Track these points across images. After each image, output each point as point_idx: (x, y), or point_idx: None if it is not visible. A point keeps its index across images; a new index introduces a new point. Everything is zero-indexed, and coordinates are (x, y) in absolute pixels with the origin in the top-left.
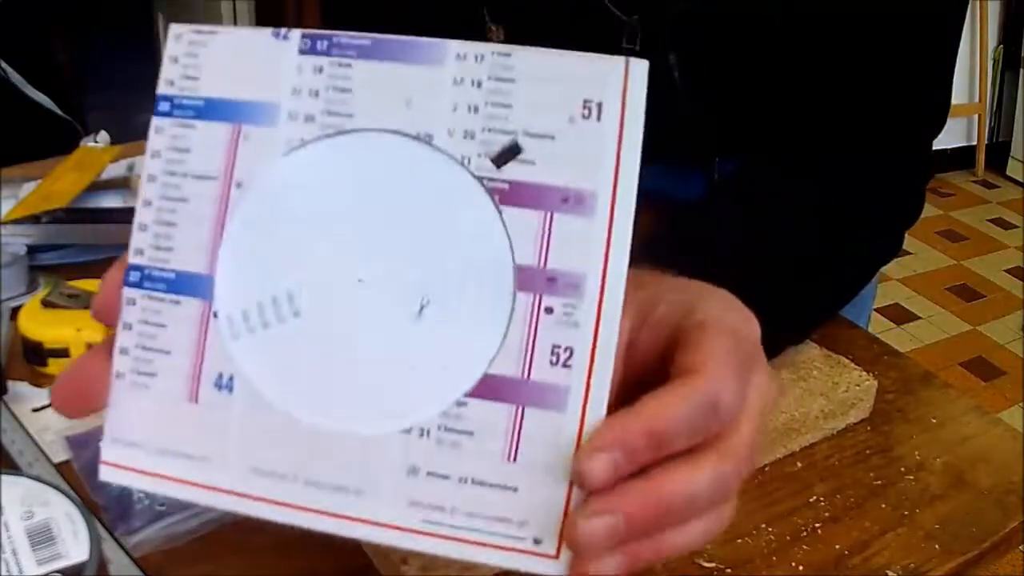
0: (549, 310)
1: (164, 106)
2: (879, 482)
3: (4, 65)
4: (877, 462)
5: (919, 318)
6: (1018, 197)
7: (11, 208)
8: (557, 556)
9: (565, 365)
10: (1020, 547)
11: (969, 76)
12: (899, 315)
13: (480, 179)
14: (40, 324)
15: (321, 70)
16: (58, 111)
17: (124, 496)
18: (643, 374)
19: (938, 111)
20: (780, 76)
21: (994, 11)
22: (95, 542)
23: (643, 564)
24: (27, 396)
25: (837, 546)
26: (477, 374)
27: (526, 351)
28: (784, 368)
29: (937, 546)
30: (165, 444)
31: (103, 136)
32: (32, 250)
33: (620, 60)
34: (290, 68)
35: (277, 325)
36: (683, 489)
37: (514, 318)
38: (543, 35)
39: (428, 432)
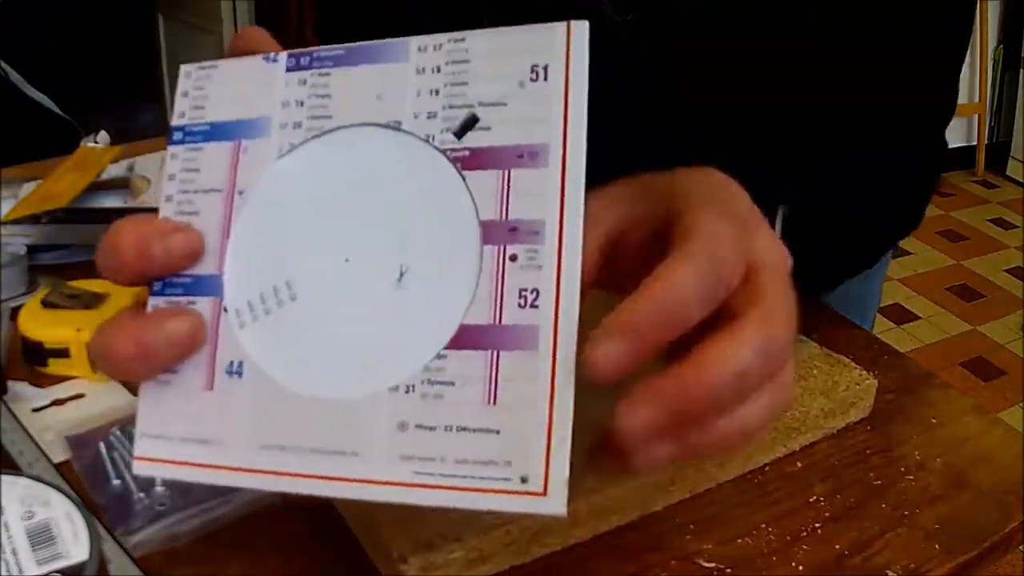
0: (513, 257)
1: (177, 135)
2: (879, 482)
3: (4, 65)
4: (877, 462)
5: (919, 318)
6: (1018, 197)
7: (11, 208)
8: (545, 492)
9: (533, 306)
10: (1020, 547)
11: (969, 76)
12: (899, 315)
13: (443, 151)
14: (40, 324)
15: (305, 82)
16: (58, 111)
17: (124, 496)
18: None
19: (948, 100)
20: (784, 81)
21: (994, 11)
22: (95, 542)
23: (713, 449)
24: (27, 396)
25: (837, 546)
26: (453, 327)
27: (495, 298)
28: None
29: (937, 546)
30: (187, 433)
31: (103, 136)
32: (32, 250)
33: (562, 25)
34: (279, 85)
35: (277, 310)
36: (728, 362)
37: (483, 270)
38: None
39: (413, 387)
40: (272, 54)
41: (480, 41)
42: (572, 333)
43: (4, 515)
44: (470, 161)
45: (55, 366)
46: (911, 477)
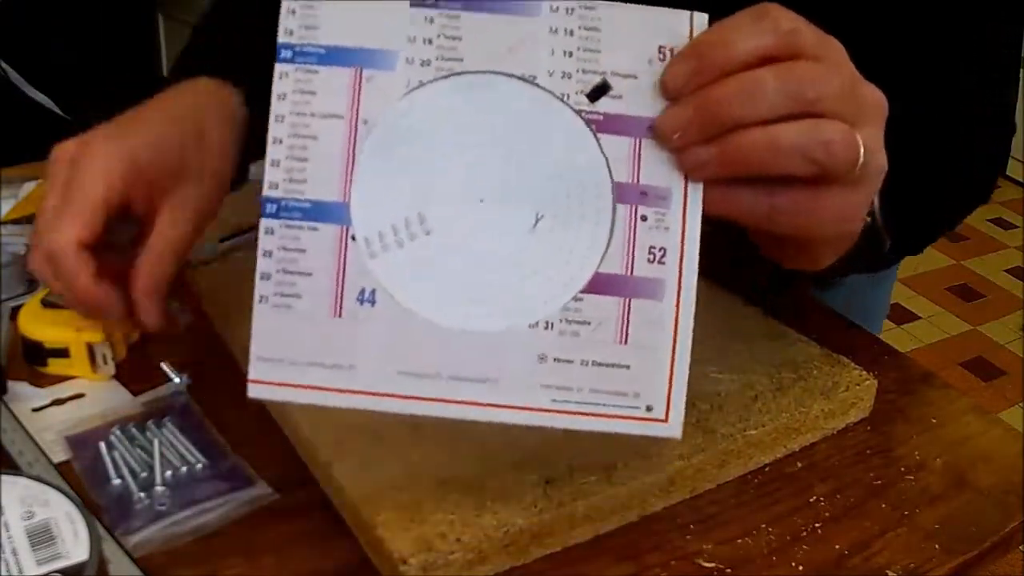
0: (644, 218)
1: (286, 54)
2: (879, 482)
3: (4, 65)
4: (877, 462)
5: (919, 318)
6: (1018, 197)
7: (11, 208)
8: (667, 420)
9: (660, 262)
10: (1020, 547)
11: None
12: (899, 315)
13: (579, 112)
14: (40, 324)
15: (432, 21)
16: (58, 111)
17: (124, 496)
18: None
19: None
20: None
21: None
22: (95, 542)
23: (747, 153)
24: (27, 396)
25: (837, 546)
26: (589, 273)
27: (628, 252)
28: (784, 368)
29: (937, 546)
30: (312, 357)
31: None
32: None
33: (685, 13)
34: (404, 19)
35: (410, 243)
36: (749, 75)
37: (616, 225)
38: None
39: (552, 325)
40: None
41: (610, 13)
42: (692, 287)
43: (4, 515)
44: (604, 125)
45: (55, 366)
46: (911, 477)
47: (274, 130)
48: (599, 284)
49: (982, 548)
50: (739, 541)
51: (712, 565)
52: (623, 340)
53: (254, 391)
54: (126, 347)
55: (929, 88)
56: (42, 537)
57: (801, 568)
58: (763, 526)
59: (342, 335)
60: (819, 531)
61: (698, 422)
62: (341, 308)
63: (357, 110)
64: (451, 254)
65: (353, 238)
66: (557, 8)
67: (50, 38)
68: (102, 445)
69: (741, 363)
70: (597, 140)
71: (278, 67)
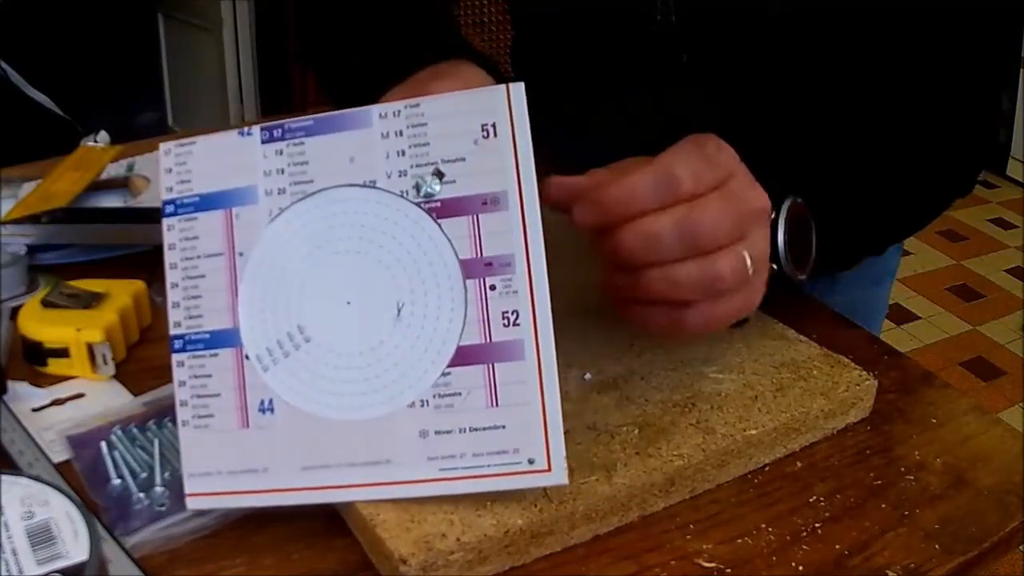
0: (493, 287)
1: (169, 208)
2: (879, 482)
3: (4, 65)
4: (877, 462)
5: (919, 318)
6: (1018, 197)
7: (11, 208)
8: (549, 469)
9: (515, 324)
10: (1020, 547)
11: None
12: (899, 315)
13: (418, 204)
14: (40, 324)
15: (281, 152)
16: (58, 111)
17: (124, 496)
18: None
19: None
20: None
21: None
22: (95, 542)
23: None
24: (27, 396)
25: (837, 546)
26: (452, 348)
27: (483, 321)
28: (784, 368)
29: (937, 546)
30: (232, 466)
31: (103, 136)
32: (32, 250)
33: (501, 88)
34: (258, 156)
35: (295, 352)
36: (651, 227)
37: (469, 300)
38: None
39: (427, 402)
40: (245, 128)
41: (432, 105)
42: (550, 340)
43: (4, 515)
44: (442, 210)
45: (55, 366)
46: (911, 477)
47: (170, 276)
48: (463, 356)
49: (982, 548)
50: (739, 541)
51: (712, 565)
52: (494, 403)
53: (192, 503)
54: (126, 347)
55: (908, 86)
56: (42, 537)
57: (801, 568)
58: (763, 526)
59: (252, 443)
60: (819, 531)
61: (698, 422)
62: (248, 419)
63: (233, 245)
64: (331, 355)
65: (247, 357)
66: (385, 114)
67: (50, 38)
68: (102, 445)
69: (741, 363)
70: (439, 225)
71: (164, 221)
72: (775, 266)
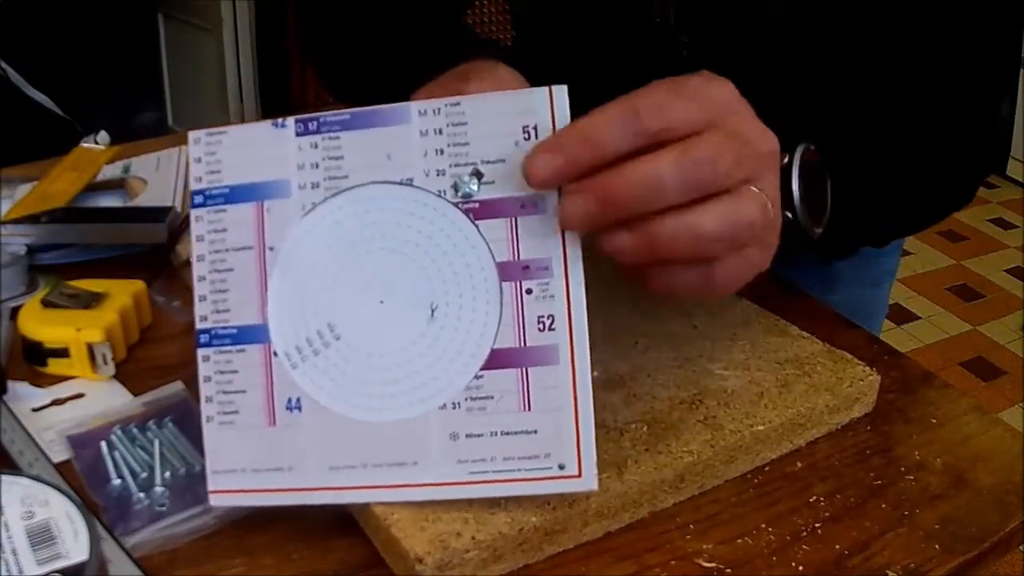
0: (529, 291)
1: (198, 199)
2: (879, 482)
3: (4, 65)
4: (877, 462)
5: (919, 318)
6: (1018, 197)
7: (11, 208)
8: (580, 475)
9: (550, 329)
10: (1020, 547)
11: None
12: (899, 315)
13: (455, 204)
14: (40, 324)
15: (316, 146)
16: (58, 111)
17: (124, 496)
18: None
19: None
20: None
21: None
22: (95, 542)
23: (667, 243)
24: (27, 396)
25: (837, 546)
26: (486, 351)
27: (519, 325)
28: (788, 364)
29: (937, 546)
30: (257, 464)
31: (103, 136)
32: (32, 250)
33: (544, 90)
34: (292, 149)
35: (325, 350)
36: (646, 168)
37: (504, 303)
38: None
39: (459, 404)
40: (280, 120)
41: (473, 104)
42: (585, 346)
43: (4, 515)
44: (480, 211)
45: (55, 366)
46: (911, 477)
47: (197, 269)
48: (496, 359)
49: (982, 548)
50: (739, 541)
51: (712, 565)
52: (526, 407)
53: (215, 500)
54: (126, 347)
55: (914, 88)
56: (42, 537)
57: (801, 568)
58: (763, 526)
59: (278, 441)
60: (819, 531)
61: (706, 419)
62: (275, 417)
63: (263, 239)
64: (362, 354)
65: (275, 354)
66: (424, 111)
67: (50, 38)
68: (102, 445)
69: (745, 360)
70: (476, 227)
71: (192, 212)
72: (789, 215)
